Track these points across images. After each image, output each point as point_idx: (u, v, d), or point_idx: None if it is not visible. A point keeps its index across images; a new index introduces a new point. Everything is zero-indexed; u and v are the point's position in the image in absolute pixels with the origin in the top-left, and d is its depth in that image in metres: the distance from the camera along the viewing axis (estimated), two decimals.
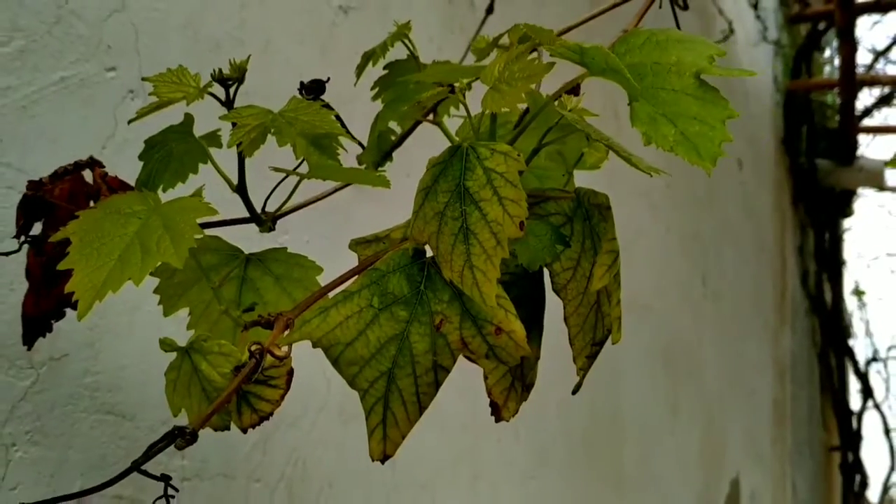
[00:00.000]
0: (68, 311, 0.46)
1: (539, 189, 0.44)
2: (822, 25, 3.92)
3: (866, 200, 5.12)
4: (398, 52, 0.67)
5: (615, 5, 0.62)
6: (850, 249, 4.98)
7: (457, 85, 0.38)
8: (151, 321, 0.66)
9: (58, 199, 0.42)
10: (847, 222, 4.93)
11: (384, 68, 0.55)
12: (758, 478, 3.18)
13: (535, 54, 0.37)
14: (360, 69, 0.52)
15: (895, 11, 3.84)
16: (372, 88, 0.55)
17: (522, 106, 0.42)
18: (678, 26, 0.75)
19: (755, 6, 3.27)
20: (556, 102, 0.40)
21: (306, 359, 0.41)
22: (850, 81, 3.75)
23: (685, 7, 0.64)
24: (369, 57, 0.53)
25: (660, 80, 0.34)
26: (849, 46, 3.57)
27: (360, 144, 0.50)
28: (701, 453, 2.42)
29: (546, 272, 0.44)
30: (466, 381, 0.58)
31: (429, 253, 0.38)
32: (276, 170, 0.41)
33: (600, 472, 1.74)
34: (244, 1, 0.85)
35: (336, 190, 0.49)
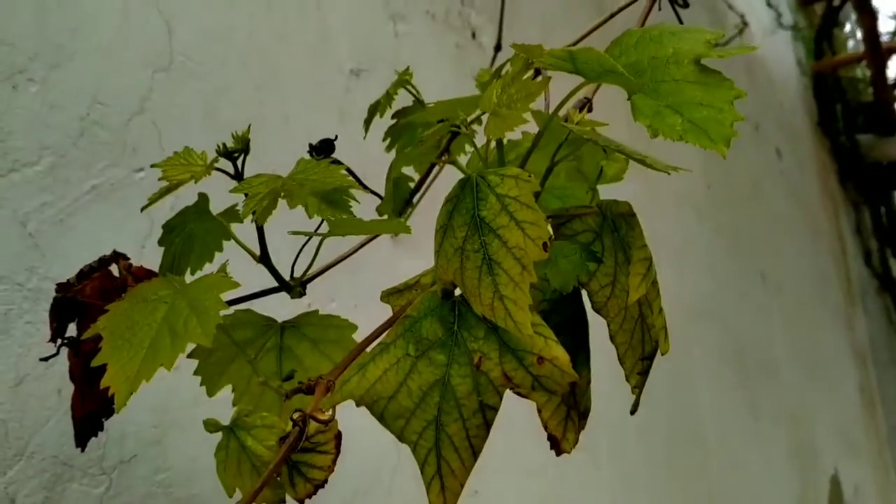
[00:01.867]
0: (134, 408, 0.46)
1: (562, 209, 0.42)
2: (836, 1, 3.85)
3: None
4: (406, 99, 0.68)
5: (612, 15, 0.62)
6: None
7: (458, 120, 0.38)
8: (213, 409, 0.67)
9: (89, 297, 0.43)
10: None
11: (392, 117, 0.55)
12: (858, 471, 3.04)
13: (530, 73, 0.37)
14: (367, 122, 0.52)
15: None
16: (384, 139, 0.55)
17: (533, 128, 0.41)
18: (681, 23, 0.73)
19: None
20: (561, 117, 0.39)
21: (369, 420, 0.40)
22: (877, 51, 3.66)
23: (685, 5, 0.63)
24: (375, 109, 0.53)
25: (659, 73, 0.33)
26: (869, 16, 3.51)
27: (377, 195, 0.50)
28: (792, 455, 2.32)
29: (584, 293, 0.42)
30: (534, 420, 0.56)
31: (458, 291, 0.37)
32: (296, 233, 0.40)
33: (689, 491, 1.68)
34: (259, 83, 0.86)
35: (362, 245, 0.48)
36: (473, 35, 1.29)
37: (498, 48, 1.20)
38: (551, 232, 0.38)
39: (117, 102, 0.69)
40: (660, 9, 0.62)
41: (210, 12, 0.82)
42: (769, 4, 3.34)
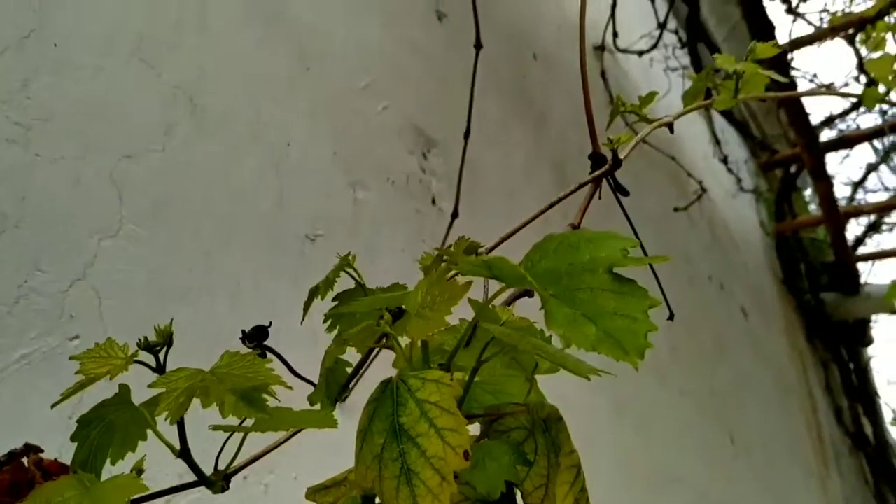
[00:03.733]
0: None
1: (494, 406, 0.41)
2: (793, 168, 4.06)
3: (884, 325, 5.04)
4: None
5: (560, 199, 0.63)
6: (879, 378, 4.83)
7: (381, 323, 0.38)
8: None
9: None
10: (869, 350, 4.83)
11: (333, 300, 0.54)
12: None
13: (454, 274, 0.37)
14: (306, 306, 0.52)
15: (861, 144, 3.98)
16: (324, 322, 0.54)
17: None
18: (624, 212, 0.76)
19: (724, 161, 3.41)
20: (489, 316, 0.39)
21: None
22: (834, 215, 3.82)
23: (626, 193, 0.65)
24: (315, 292, 0.52)
25: (575, 281, 0.33)
26: (824, 183, 3.68)
27: (311, 383, 0.48)
28: None
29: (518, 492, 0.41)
30: None
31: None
32: (216, 428, 0.39)
33: None
34: (209, 248, 0.86)
35: (287, 438, 0.46)
36: (433, 201, 1.32)
37: (455, 215, 1.23)
38: (477, 436, 0.37)
39: (58, 269, 0.68)
40: (599, 198, 0.64)
41: (166, 181, 0.83)
42: (729, 170, 3.51)
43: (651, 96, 0.71)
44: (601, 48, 2.59)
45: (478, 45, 1.41)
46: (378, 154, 1.22)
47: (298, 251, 0.99)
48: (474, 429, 0.41)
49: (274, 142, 1.02)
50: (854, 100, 3.31)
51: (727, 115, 3.51)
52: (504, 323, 0.39)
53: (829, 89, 2.82)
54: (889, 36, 2.38)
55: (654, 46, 2.75)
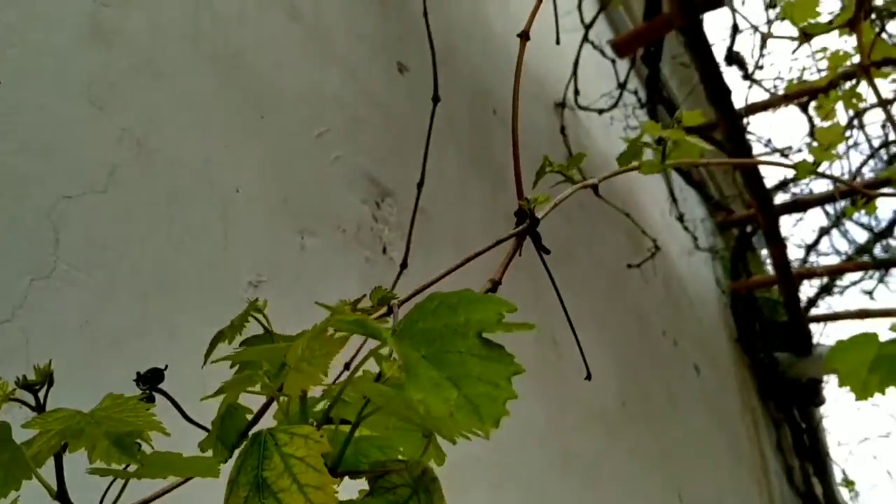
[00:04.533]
0: None
1: (379, 462, 0.42)
2: (749, 228, 4.16)
3: (835, 386, 5.12)
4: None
5: (478, 254, 0.65)
6: (830, 438, 4.88)
7: (260, 374, 0.38)
8: None
9: None
10: (821, 411, 4.88)
11: (240, 344, 0.55)
12: None
13: (331, 330, 0.38)
14: (208, 351, 0.52)
15: (814, 208, 4.10)
16: (231, 367, 0.55)
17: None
18: (547, 270, 0.78)
19: (681, 219, 3.48)
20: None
21: None
22: (788, 277, 3.90)
23: (548, 252, 0.67)
24: (219, 338, 0.53)
25: (448, 343, 0.34)
26: (777, 245, 3.76)
27: (204, 428, 0.49)
28: None
29: None
30: None
31: None
32: (95, 471, 0.39)
33: None
34: (147, 291, 0.86)
35: (178, 484, 0.46)
36: (384, 250, 1.33)
37: (403, 265, 1.24)
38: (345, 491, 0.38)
39: None
40: (520, 255, 0.66)
41: (106, 223, 0.84)
42: (686, 229, 3.58)
43: (579, 157, 0.74)
44: (562, 105, 2.65)
45: (435, 99, 1.44)
46: (329, 202, 1.24)
47: (239, 297, 1.00)
48: (361, 484, 0.42)
49: (222, 187, 1.03)
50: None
51: (685, 175, 3.60)
52: (386, 379, 0.39)
53: (766, 157, 2.91)
54: (839, 106, 2.48)
55: (614, 106, 2.82)
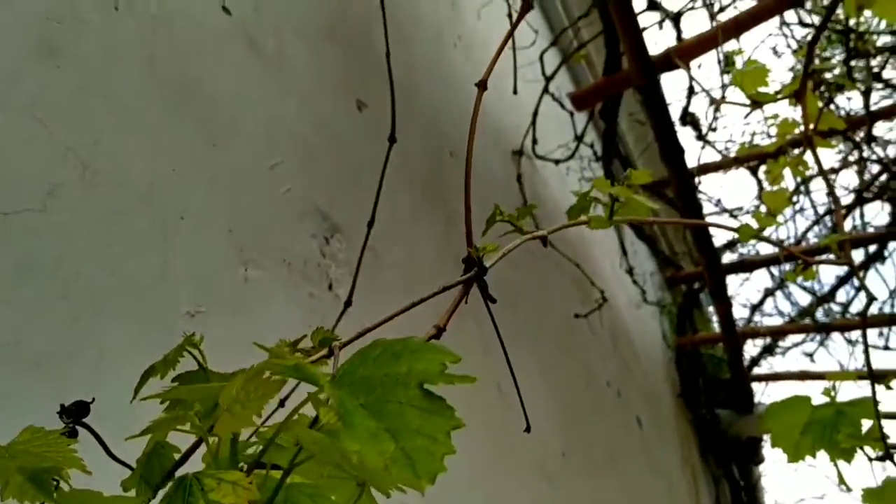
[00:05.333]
0: None
1: None
2: (697, 285, 4.23)
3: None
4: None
5: (423, 299, 0.64)
6: (767, 497, 4.93)
7: (190, 415, 0.37)
8: None
9: None
10: (760, 469, 4.94)
11: (173, 380, 0.53)
12: None
13: (268, 373, 0.36)
14: (138, 386, 0.50)
15: (759, 269, 4.19)
16: (161, 403, 0.53)
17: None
18: (492, 319, 0.77)
19: (630, 272, 3.52)
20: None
21: None
22: (732, 335, 3.97)
23: (493, 300, 0.66)
24: (150, 372, 0.51)
25: (388, 393, 0.33)
26: (723, 304, 3.83)
27: (129, 466, 0.46)
28: None
29: None
30: None
31: None
32: None
33: None
34: (77, 316, 0.83)
35: None
36: (330, 287, 1.32)
37: (348, 303, 1.23)
38: None
39: None
40: (466, 302, 0.65)
41: (40, 242, 0.81)
42: (635, 282, 3.63)
43: (530, 208, 0.74)
44: (520, 153, 2.69)
45: (392, 139, 1.44)
46: (277, 235, 1.22)
47: (174, 326, 0.97)
48: None
49: (166, 212, 1.01)
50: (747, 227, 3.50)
51: (637, 229, 3.66)
52: (322, 425, 0.38)
53: (715, 216, 2.98)
54: (788, 171, 2.55)
55: (571, 157, 2.87)
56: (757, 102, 1.31)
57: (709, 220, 3.48)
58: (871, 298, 1.11)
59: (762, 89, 1.35)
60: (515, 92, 1.55)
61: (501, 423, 1.79)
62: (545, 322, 2.49)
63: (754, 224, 1.05)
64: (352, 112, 1.59)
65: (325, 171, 1.41)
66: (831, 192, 1.28)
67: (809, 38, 2.85)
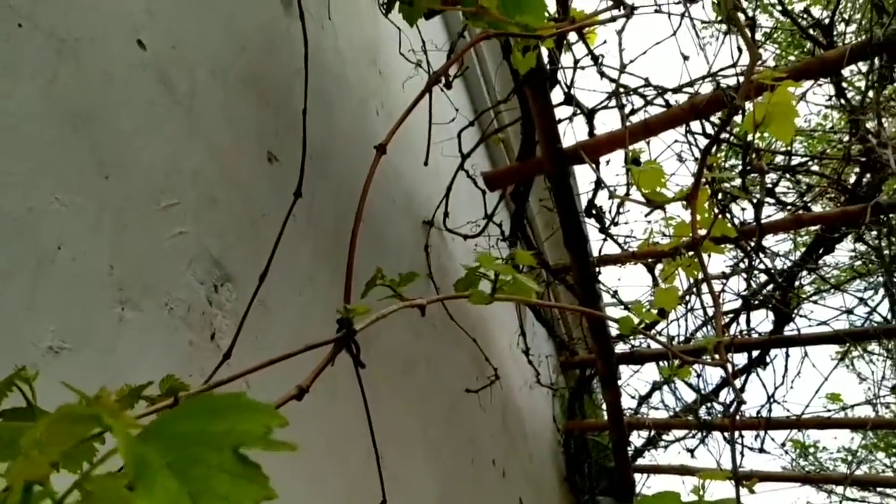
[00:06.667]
0: None
1: None
2: (589, 372, 4.32)
3: None
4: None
5: (285, 357, 0.63)
6: None
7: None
8: None
9: None
10: None
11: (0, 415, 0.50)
12: None
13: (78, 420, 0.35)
14: None
15: (650, 363, 4.32)
16: None
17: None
18: (360, 381, 0.76)
19: (526, 353, 3.57)
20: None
21: None
22: (618, 424, 4.05)
23: (362, 366, 0.66)
24: None
25: (199, 453, 0.32)
26: (612, 392, 3.92)
27: None
28: None
29: None
30: None
31: None
32: None
33: None
34: None
35: None
36: (213, 336, 1.27)
37: (227, 356, 1.19)
38: None
39: None
40: (332, 364, 0.64)
41: None
42: (530, 363, 3.68)
43: (411, 276, 0.74)
44: (430, 223, 2.72)
45: (297, 193, 1.44)
46: (161, 278, 1.18)
47: (33, 361, 0.91)
48: None
49: (43, 241, 0.96)
50: (647, 319, 3.63)
51: (535, 312, 3.73)
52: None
53: (611, 307, 3.07)
54: (680, 272, 2.67)
55: (479, 234, 2.92)
56: (650, 202, 1.38)
57: (607, 309, 3.58)
58: (740, 402, 1.16)
59: (659, 190, 1.42)
60: (426, 164, 1.58)
61: (377, 493, 1.75)
62: (437, 394, 2.48)
63: (632, 319, 1.09)
64: (261, 163, 1.58)
65: (225, 219, 1.39)
66: (714, 299, 1.35)
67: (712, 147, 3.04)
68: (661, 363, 4.05)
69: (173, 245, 1.22)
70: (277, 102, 1.68)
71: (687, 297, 3.65)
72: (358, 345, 0.65)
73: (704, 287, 3.73)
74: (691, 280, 3.31)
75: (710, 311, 3.72)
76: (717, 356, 1.25)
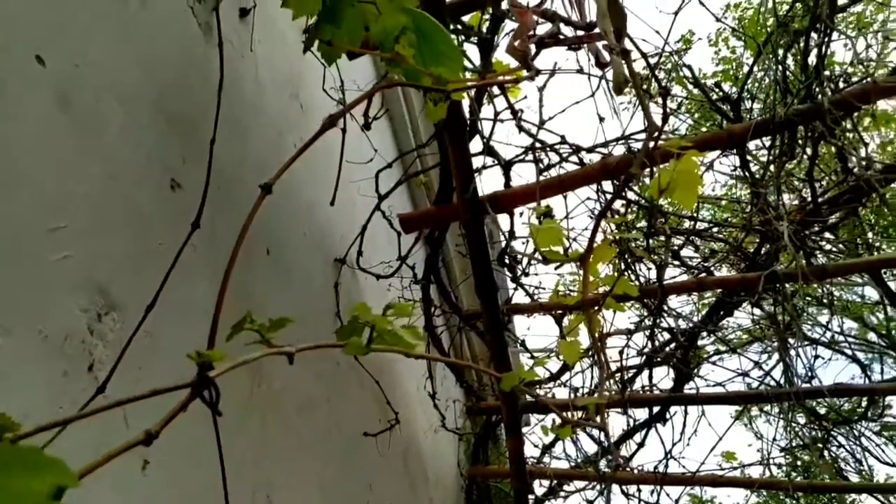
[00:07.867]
0: None
1: None
2: (495, 418, 4.33)
3: None
4: None
5: (130, 400, 0.61)
6: None
7: None
8: None
9: None
10: None
11: None
12: None
13: None
14: None
15: (552, 414, 4.36)
16: None
17: None
18: (216, 427, 0.74)
19: (432, 396, 3.56)
20: None
21: None
22: (521, 473, 4.06)
23: (219, 413, 0.64)
24: None
25: None
26: (516, 440, 3.93)
27: None
28: None
29: None
30: None
31: None
32: None
33: None
34: None
35: None
36: (90, 368, 1.22)
37: (101, 390, 1.15)
38: None
39: None
40: (185, 410, 0.62)
41: None
42: (435, 407, 3.66)
43: (282, 321, 0.73)
44: (342, 262, 2.70)
45: (195, 224, 1.41)
46: (38, 303, 1.13)
47: None
48: None
49: None
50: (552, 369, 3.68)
51: (445, 356, 3.73)
52: None
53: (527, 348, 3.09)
54: (583, 326, 2.72)
55: (392, 275, 2.91)
56: (547, 260, 1.41)
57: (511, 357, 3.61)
58: (617, 465, 1.18)
59: (558, 249, 1.46)
60: (332, 203, 1.57)
61: None
62: (335, 436, 2.43)
63: (515, 374, 1.11)
64: (163, 190, 1.54)
65: (117, 245, 1.34)
66: (601, 361, 1.38)
67: (621, 207, 3.14)
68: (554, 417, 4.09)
69: (56, 269, 1.17)
70: (186, 129, 1.65)
71: (590, 352, 3.72)
72: (218, 390, 0.63)
73: (610, 342, 3.82)
74: (595, 335, 3.38)
75: (615, 366, 3.80)
76: (595, 418, 1.27)
